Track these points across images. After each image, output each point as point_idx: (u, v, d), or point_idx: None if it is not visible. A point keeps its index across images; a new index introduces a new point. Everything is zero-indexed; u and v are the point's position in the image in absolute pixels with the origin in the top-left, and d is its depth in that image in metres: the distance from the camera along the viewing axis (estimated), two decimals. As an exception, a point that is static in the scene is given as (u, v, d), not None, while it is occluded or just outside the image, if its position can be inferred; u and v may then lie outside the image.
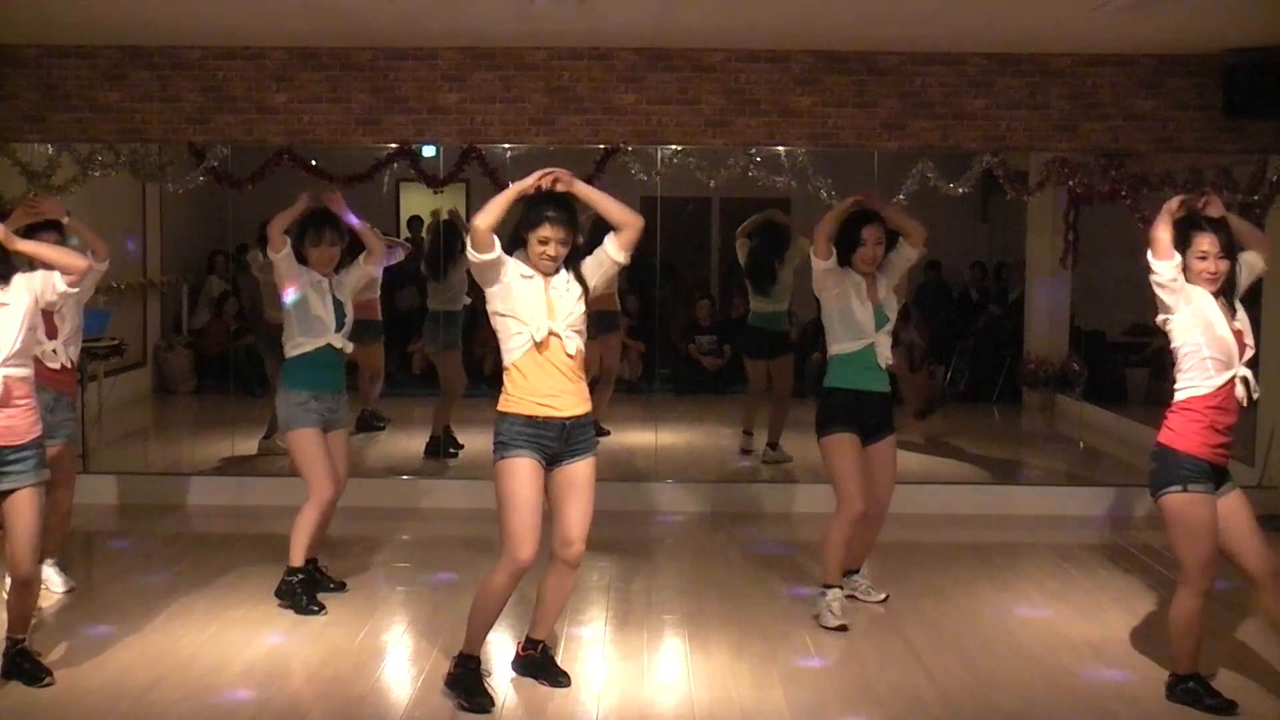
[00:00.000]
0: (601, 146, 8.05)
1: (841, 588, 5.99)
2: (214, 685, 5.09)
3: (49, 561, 6.10)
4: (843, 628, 5.81)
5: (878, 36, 7.63)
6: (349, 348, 6.16)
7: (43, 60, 8.01)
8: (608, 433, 9.85)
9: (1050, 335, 11.53)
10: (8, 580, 5.12)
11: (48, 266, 4.93)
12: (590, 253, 4.92)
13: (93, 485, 7.96)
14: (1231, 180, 8.10)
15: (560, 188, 4.77)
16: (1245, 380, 4.76)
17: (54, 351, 5.81)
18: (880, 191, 6.56)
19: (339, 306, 6.09)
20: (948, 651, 5.60)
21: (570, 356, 4.78)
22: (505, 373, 4.82)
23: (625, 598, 6.36)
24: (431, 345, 9.41)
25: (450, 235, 9.20)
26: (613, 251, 4.88)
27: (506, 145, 8.22)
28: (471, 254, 4.70)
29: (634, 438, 9.81)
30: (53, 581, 6.18)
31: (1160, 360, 10.06)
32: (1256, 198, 8.04)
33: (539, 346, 4.73)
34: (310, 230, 6.04)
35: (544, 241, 4.75)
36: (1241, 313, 4.87)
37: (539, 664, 5.18)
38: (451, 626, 5.56)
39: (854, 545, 6.04)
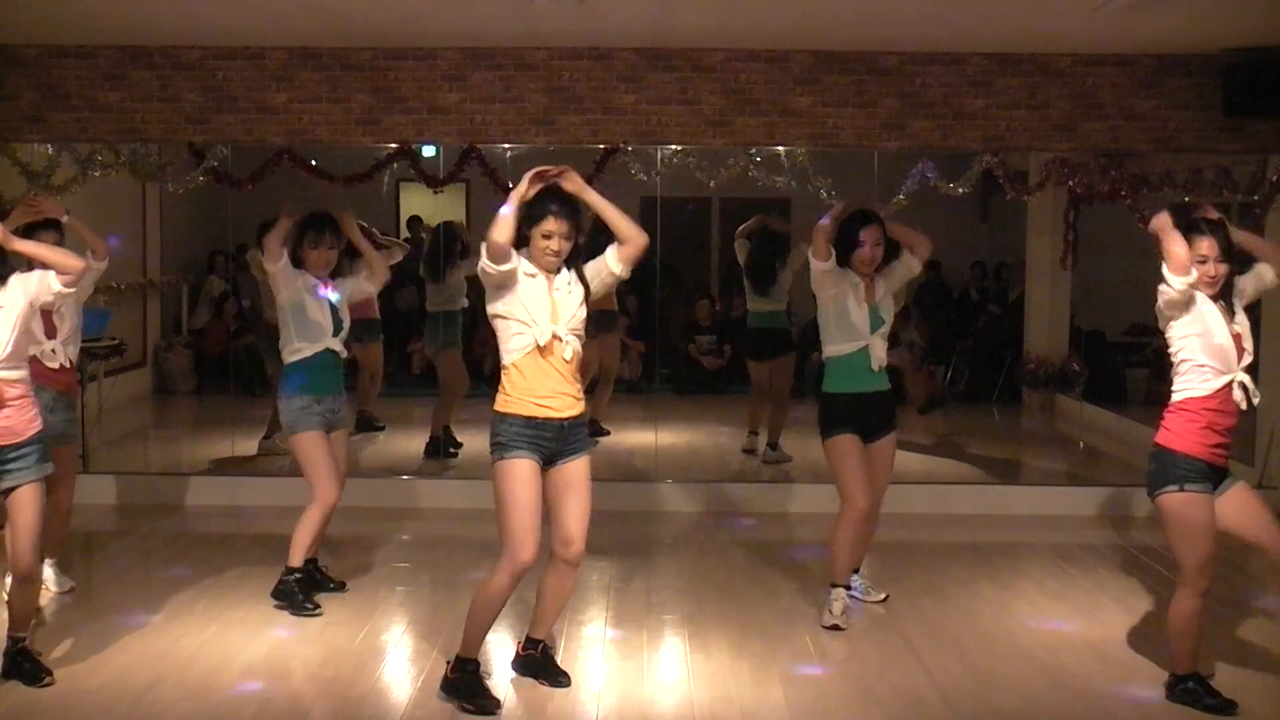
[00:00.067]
0: (601, 146, 8.05)
1: (848, 587, 5.99)
2: (214, 685, 5.09)
3: (48, 561, 6.09)
4: (835, 627, 5.82)
5: (878, 36, 7.63)
6: (345, 352, 6.20)
7: (43, 60, 8.01)
8: (608, 433, 9.86)
9: (1050, 335, 11.53)
10: (8, 579, 5.13)
11: (45, 266, 4.93)
12: (589, 254, 4.91)
13: (93, 485, 7.95)
14: (1231, 180, 8.10)
15: (568, 187, 4.77)
16: (1244, 386, 4.76)
17: (53, 351, 5.80)
18: (880, 192, 6.56)
19: (335, 311, 6.11)
20: (948, 651, 5.59)
21: (567, 361, 4.78)
22: (504, 372, 4.80)
23: (625, 598, 6.35)
24: (431, 345, 9.41)
25: (449, 237, 9.22)
26: (613, 264, 4.86)
27: (506, 145, 8.22)
28: (489, 266, 4.63)
29: (634, 438, 9.81)
30: (52, 581, 6.17)
31: (1160, 360, 10.05)
32: (1256, 198, 8.05)
33: (542, 351, 4.73)
34: (310, 232, 6.06)
35: (548, 236, 4.73)
36: (1241, 315, 4.87)
37: (539, 664, 5.18)
38: (451, 627, 5.56)
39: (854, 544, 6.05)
